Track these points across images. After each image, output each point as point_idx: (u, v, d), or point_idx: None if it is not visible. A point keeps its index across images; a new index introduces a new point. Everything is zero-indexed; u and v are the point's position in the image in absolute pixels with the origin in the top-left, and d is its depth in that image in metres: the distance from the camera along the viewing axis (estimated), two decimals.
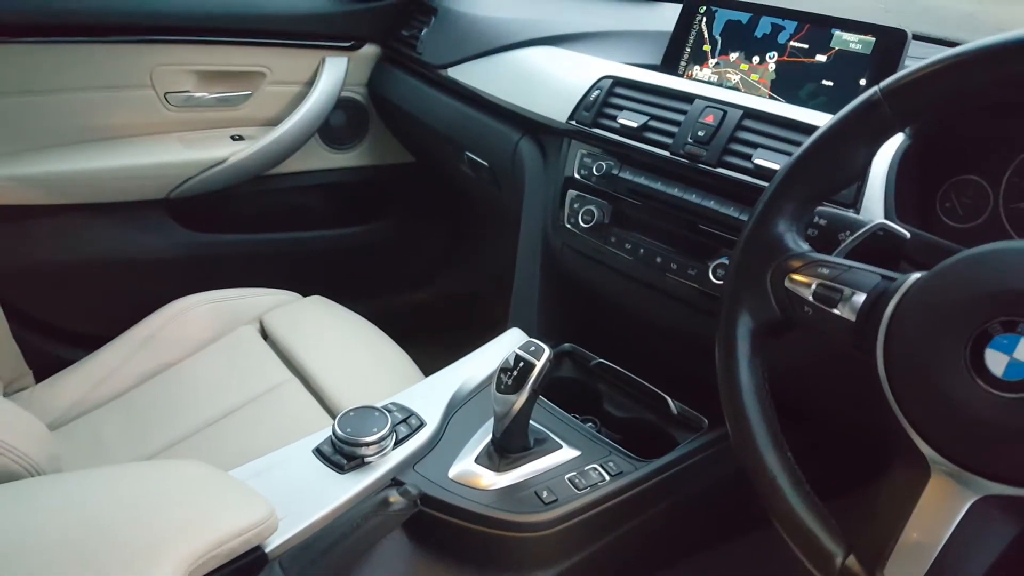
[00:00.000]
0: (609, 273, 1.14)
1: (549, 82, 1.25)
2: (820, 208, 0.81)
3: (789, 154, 0.93)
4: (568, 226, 1.17)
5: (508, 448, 0.97)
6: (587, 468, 0.98)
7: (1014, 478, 0.54)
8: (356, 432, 0.92)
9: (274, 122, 1.66)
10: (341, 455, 0.92)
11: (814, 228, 0.81)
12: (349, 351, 1.37)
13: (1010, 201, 0.83)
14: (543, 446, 1.00)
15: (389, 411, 0.99)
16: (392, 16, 1.68)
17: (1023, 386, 0.53)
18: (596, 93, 1.15)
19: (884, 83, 0.65)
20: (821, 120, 0.93)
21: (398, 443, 0.96)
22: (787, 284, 0.69)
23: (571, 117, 1.18)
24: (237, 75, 1.61)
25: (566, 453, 1.00)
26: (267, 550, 0.79)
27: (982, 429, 0.55)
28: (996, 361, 0.55)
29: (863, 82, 1.01)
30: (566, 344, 1.26)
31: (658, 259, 1.06)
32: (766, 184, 0.92)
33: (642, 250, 1.08)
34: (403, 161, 1.92)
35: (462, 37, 1.46)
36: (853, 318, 0.64)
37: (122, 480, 0.76)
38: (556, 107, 1.20)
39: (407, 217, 2.00)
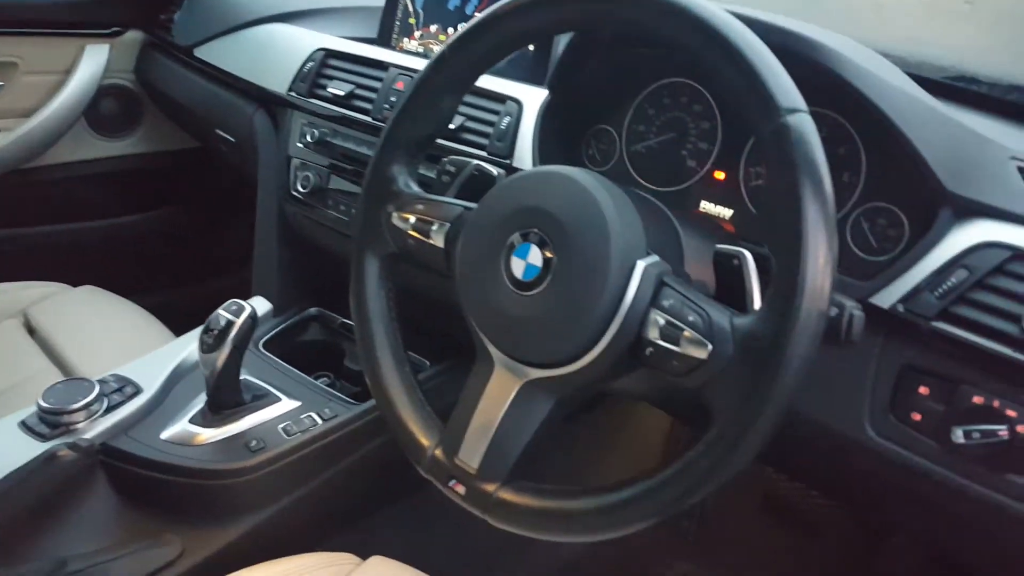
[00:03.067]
0: (334, 234, 1.21)
1: (274, 56, 1.31)
2: (452, 156, 0.90)
3: (479, 120, 1.02)
4: (295, 193, 1.23)
5: (221, 405, 1.02)
6: (302, 416, 1.05)
7: (541, 362, 0.65)
8: (60, 402, 0.95)
9: (33, 113, 1.64)
10: (45, 424, 0.95)
11: (447, 175, 0.89)
12: (113, 339, 1.38)
13: (630, 144, 0.95)
14: (261, 400, 1.06)
15: (104, 381, 1.02)
16: (151, 1, 1.68)
17: (535, 284, 0.64)
18: (310, 65, 1.22)
19: (448, 40, 0.74)
20: (502, 86, 1.02)
21: (109, 410, 0.99)
22: (395, 221, 0.77)
23: (290, 88, 1.24)
24: None
25: (285, 405, 1.06)
26: None
27: (515, 324, 0.66)
28: (518, 267, 0.65)
29: (532, 48, 1.10)
30: (312, 308, 1.32)
31: None
32: (460, 146, 1.01)
33: (354, 211, 1.15)
34: (189, 146, 1.92)
35: (207, 17, 1.50)
36: (442, 245, 0.73)
37: None
38: (279, 79, 1.27)
39: (205, 203, 2.00)
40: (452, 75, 0.75)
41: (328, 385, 1.17)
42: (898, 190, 0.77)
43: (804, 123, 0.55)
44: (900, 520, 0.91)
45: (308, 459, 1.01)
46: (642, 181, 0.94)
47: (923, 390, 0.70)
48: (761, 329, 0.56)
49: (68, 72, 1.66)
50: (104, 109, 1.76)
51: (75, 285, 1.50)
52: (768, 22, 0.74)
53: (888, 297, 0.70)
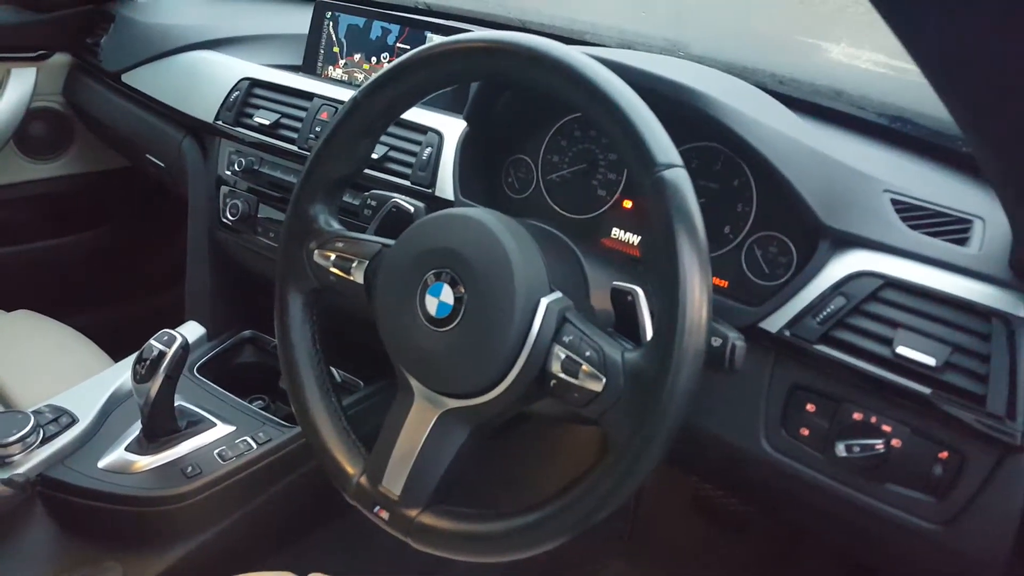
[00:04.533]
0: (264, 261, 1.24)
1: (201, 84, 1.32)
2: (374, 191, 0.94)
3: (402, 150, 1.06)
4: (224, 220, 1.25)
5: (156, 433, 1.04)
6: (237, 441, 1.08)
7: (456, 393, 0.70)
8: None
9: None
10: None
11: (370, 208, 0.93)
12: (49, 364, 1.38)
13: (545, 174, 0.99)
14: (196, 426, 1.08)
15: (39, 412, 1.04)
16: (77, 25, 1.68)
17: (448, 321, 0.69)
18: (236, 94, 1.24)
19: (361, 88, 0.77)
20: (423, 116, 1.06)
21: (45, 441, 1.01)
22: (316, 259, 0.81)
23: (217, 117, 1.26)
24: None
25: (220, 430, 1.09)
26: None
27: (432, 358, 0.70)
28: (432, 304, 0.70)
29: None
30: (246, 331, 1.35)
31: None
32: (384, 176, 1.05)
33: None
34: (120, 166, 1.91)
35: (134, 43, 1.50)
36: (362, 281, 0.77)
37: None
38: (206, 108, 1.29)
39: (133, 223, 2.00)
40: (366, 119, 0.79)
41: (263, 408, 1.20)
42: (785, 220, 0.83)
43: (679, 177, 0.60)
44: (797, 524, 0.97)
45: (244, 482, 1.04)
46: (558, 209, 0.99)
47: (810, 407, 0.76)
48: (647, 364, 0.61)
49: None
50: (33, 132, 1.75)
51: (9, 310, 1.49)
52: (645, 71, 0.79)
53: (775, 322, 0.77)
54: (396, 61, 0.75)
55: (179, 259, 2.05)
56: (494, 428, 0.73)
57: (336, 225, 0.83)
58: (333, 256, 0.79)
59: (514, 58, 0.67)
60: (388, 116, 0.79)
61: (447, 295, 0.69)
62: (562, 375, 0.64)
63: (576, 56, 0.65)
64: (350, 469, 0.77)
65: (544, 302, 0.66)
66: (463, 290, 0.68)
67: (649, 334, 0.67)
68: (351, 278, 0.78)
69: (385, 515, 0.74)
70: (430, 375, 0.71)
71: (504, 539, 0.68)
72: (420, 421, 0.72)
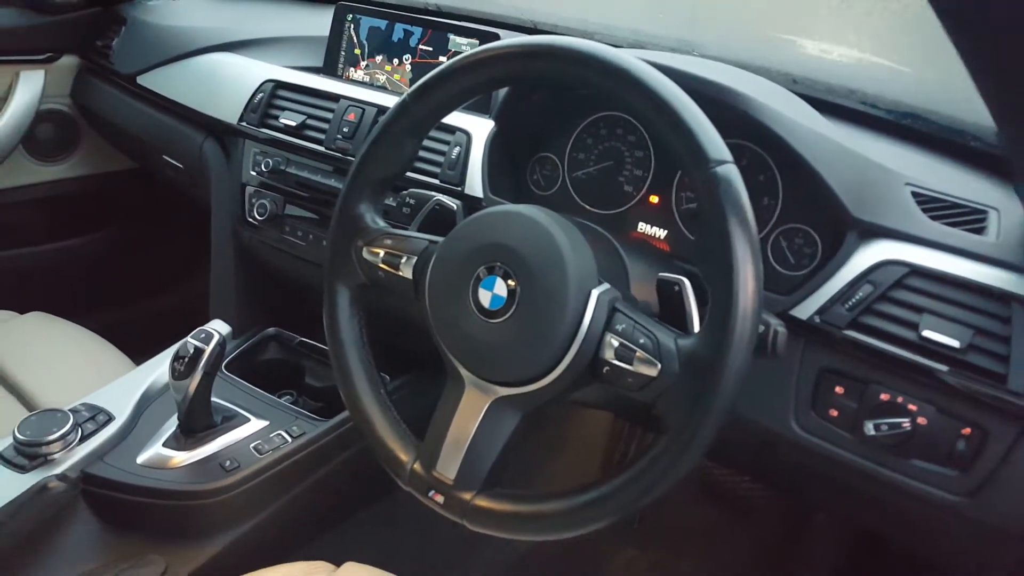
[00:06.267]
0: (291, 259, 1.26)
1: (222, 86, 1.34)
2: (412, 190, 0.97)
3: (431, 149, 1.09)
4: (250, 220, 1.28)
5: (193, 428, 1.07)
6: (272, 435, 1.10)
7: (508, 382, 0.73)
8: (36, 434, 0.99)
9: None
10: (23, 456, 0.98)
11: (408, 206, 0.96)
12: (68, 365, 1.40)
13: (572, 171, 1.03)
14: (231, 422, 1.11)
15: (75, 411, 1.06)
16: (86, 27, 1.69)
17: (501, 312, 0.72)
18: (260, 96, 1.27)
19: (410, 90, 0.81)
20: (451, 117, 1.07)
21: (84, 439, 1.03)
22: (364, 255, 0.84)
23: (241, 119, 1.28)
24: None
25: (254, 425, 1.12)
26: None
27: (484, 349, 0.74)
28: (485, 297, 0.73)
29: None
30: (270, 328, 1.37)
31: (324, 243, 1.18)
32: (414, 175, 1.08)
33: (311, 236, 1.21)
34: (126, 167, 1.93)
35: (150, 45, 1.52)
36: (410, 276, 0.80)
37: None
38: (229, 109, 1.31)
39: (139, 223, 2.01)
40: (413, 120, 0.82)
41: (292, 403, 1.23)
42: (811, 213, 0.87)
43: (731, 172, 0.64)
44: (822, 501, 1.02)
45: (280, 475, 1.07)
46: (584, 205, 1.02)
47: (839, 390, 0.81)
48: (703, 349, 0.65)
49: (3, 100, 1.66)
50: (41, 134, 1.77)
51: (22, 312, 1.51)
52: (691, 73, 0.83)
53: (806, 309, 0.81)
54: (445, 65, 0.78)
55: (189, 258, 2.08)
56: (542, 413, 0.77)
57: (382, 223, 0.86)
58: (382, 253, 0.83)
59: (566, 61, 0.71)
60: (434, 118, 0.82)
61: (500, 288, 0.72)
62: (616, 362, 0.68)
63: (627, 58, 0.68)
64: (403, 456, 0.80)
65: (595, 293, 0.70)
66: (515, 283, 0.71)
67: (696, 322, 0.71)
68: (400, 273, 0.81)
69: (440, 499, 0.77)
70: (482, 365, 0.75)
71: (559, 518, 0.71)
72: (472, 409, 0.75)
